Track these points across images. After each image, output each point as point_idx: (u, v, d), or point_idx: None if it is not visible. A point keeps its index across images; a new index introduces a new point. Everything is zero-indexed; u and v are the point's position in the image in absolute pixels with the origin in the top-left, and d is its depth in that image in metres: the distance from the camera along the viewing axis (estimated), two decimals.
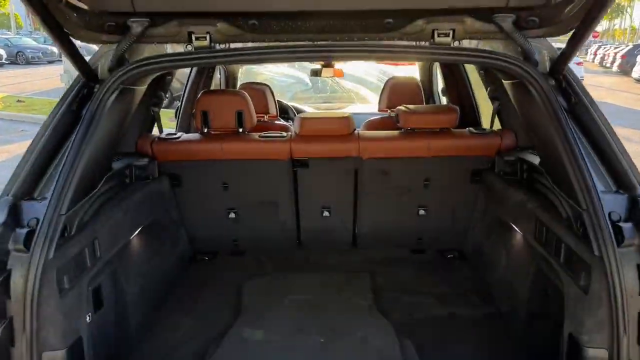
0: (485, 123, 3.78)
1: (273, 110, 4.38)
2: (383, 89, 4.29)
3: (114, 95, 2.18)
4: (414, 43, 2.24)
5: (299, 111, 5.88)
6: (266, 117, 4.35)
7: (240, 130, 3.07)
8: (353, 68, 6.29)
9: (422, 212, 3.26)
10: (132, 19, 2.10)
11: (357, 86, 6.60)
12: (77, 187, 1.99)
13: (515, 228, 2.59)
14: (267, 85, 4.38)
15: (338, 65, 5.24)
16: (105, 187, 2.42)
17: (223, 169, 3.11)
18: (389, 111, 4.24)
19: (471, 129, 3.12)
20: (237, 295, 2.84)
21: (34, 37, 35.50)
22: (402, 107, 3.10)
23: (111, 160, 2.56)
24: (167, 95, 3.52)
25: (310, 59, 2.29)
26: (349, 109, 6.16)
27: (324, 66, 5.24)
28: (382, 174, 3.12)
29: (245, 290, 2.88)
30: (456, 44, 2.23)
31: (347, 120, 3.07)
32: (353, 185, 3.19)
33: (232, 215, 3.28)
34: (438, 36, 2.19)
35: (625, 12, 65.23)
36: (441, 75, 4.51)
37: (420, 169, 3.11)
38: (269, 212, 3.27)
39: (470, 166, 3.10)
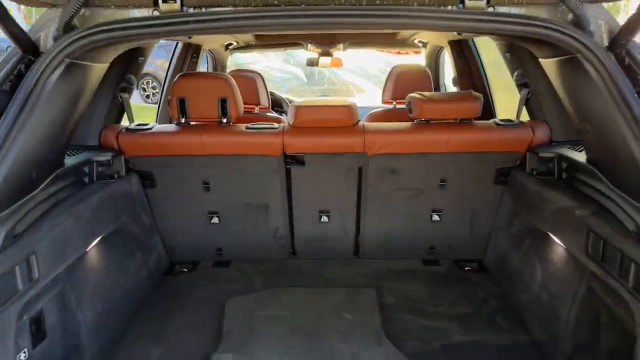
0: (501, 116, 3.34)
1: (265, 100, 3.90)
2: (387, 78, 3.83)
3: (58, 71, 1.71)
4: (437, 8, 1.78)
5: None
6: (257, 109, 3.87)
7: (224, 120, 2.60)
8: (353, 58, 5.82)
9: (435, 217, 2.80)
10: None
11: (358, 78, 6.13)
12: (5, 187, 1.53)
13: (555, 239, 2.14)
14: (258, 73, 3.90)
15: (337, 54, 4.80)
16: (53, 188, 1.95)
17: (204, 166, 2.64)
18: (394, 103, 3.79)
19: (497, 120, 2.66)
20: (218, 317, 2.38)
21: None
22: (415, 95, 2.63)
23: (62, 154, 2.09)
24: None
25: (306, 27, 1.78)
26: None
27: (321, 55, 4.79)
28: (390, 173, 2.66)
29: (228, 311, 2.42)
30: (490, 9, 1.77)
31: (349, 109, 2.61)
32: (356, 185, 2.73)
33: (215, 220, 2.81)
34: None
35: None
36: (452, 63, 4.04)
37: (436, 168, 2.65)
38: (257, 216, 2.80)
39: (495, 164, 2.64)
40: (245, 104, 3.83)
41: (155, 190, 2.69)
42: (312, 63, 4.86)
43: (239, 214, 2.79)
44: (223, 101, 2.57)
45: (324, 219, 2.83)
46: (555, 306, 2.07)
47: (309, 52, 4.75)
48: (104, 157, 2.37)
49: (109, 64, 2.17)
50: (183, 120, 2.60)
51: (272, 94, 5.27)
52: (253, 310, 2.42)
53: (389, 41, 4.66)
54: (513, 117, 2.76)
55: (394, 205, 2.76)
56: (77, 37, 1.67)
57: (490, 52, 3.79)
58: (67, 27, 1.72)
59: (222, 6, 1.79)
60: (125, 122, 2.78)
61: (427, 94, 2.63)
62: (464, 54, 3.85)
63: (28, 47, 1.71)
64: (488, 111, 3.56)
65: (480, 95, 2.61)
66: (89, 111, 2.52)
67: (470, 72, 3.89)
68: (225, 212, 2.79)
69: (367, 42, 4.74)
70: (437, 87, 5.14)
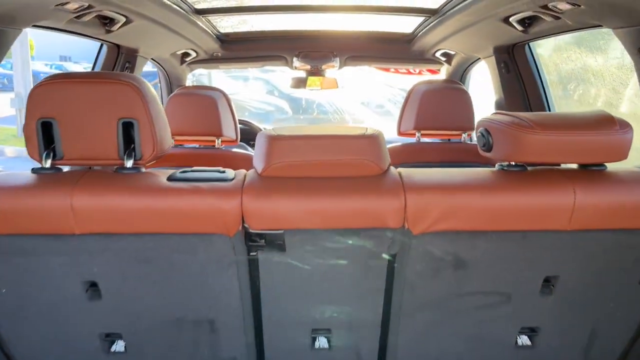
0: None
1: (230, 130, 2.61)
2: (407, 99, 2.62)
3: None
4: None
5: None
6: (218, 142, 2.59)
7: (129, 164, 1.34)
8: (348, 82, 4.64)
9: (525, 339, 1.52)
10: None
11: (355, 105, 4.93)
12: None
13: None
14: (221, 91, 2.63)
15: (331, 72, 3.60)
16: None
17: (85, 253, 1.34)
18: (417, 135, 2.58)
19: None
20: None
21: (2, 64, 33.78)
22: (495, 116, 1.39)
23: None
24: None
25: None
26: None
27: (310, 73, 3.59)
28: (451, 266, 1.39)
29: None
30: None
31: (374, 142, 1.36)
32: (384, 285, 1.45)
33: (119, 346, 1.50)
34: None
35: None
36: (496, 80, 2.85)
37: (540, 257, 1.38)
38: (197, 339, 1.49)
39: None
40: (198, 134, 2.57)
41: None
42: (298, 84, 3.64)
43: (161, 336, 1.48)
44: (127, 127, 1.31)
45: (322, 342, 1.54)
46: None
47: (295, 70, 3.56)
48: None
49: None
50: (48, 164, 1.33)
51: (246, 123, 4.02)
52: None
53: (401, 54, 3.48)
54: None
55: (453, 321, 1.48)
56: None
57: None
58: None
59: None
60: None
61: (526, 114, 1.37)
62: (516, 66, 2.69)
63: None
64: None
65: (628, 123, 1.36)
66: None
67: (525, 93, 2.72)
68: (136, 333, 1.48)
69: (371, 55, 3.55)
70: None
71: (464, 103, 2.55)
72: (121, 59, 2.65)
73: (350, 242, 1.34)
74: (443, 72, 3.61)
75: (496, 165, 1.42)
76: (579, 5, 1.65)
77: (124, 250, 1.33)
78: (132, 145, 1.34)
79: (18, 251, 1.33)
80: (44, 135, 1.31)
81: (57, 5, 1.60)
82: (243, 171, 1.42)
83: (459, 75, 3.46)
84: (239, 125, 3.68)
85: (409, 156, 2.58)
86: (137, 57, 2.71)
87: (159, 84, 3.66)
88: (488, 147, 1.39)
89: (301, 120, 4.88)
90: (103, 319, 1.46)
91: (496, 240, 1.34)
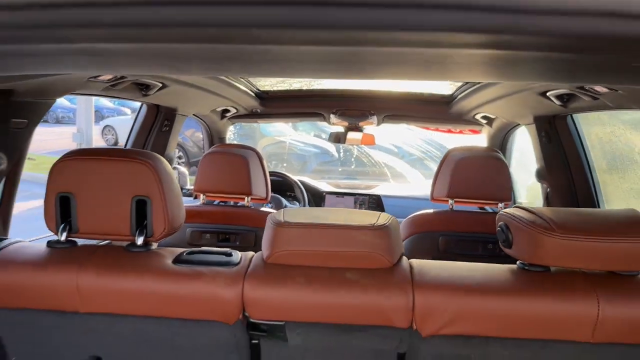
0: None
1: (260, 189, 2.62)
2: (441, 165, 2.54)
3: None
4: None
5: (310, 189, 4.14)
6: (247, 200, 2.60)
7: (140, 241, 1.34)
8: (384, 133, 4.62)
9: None
10: None
11: (392, 158, 4.89)
12: None
13: None
14: (254, 151, 2.66)
15: (369, 129, 3.60)
16: None
17: (89, 332, 1.34)
18: (450, 202, 2.49)
19: None
20: None
21: (67, 97, 36.11)
22: (516, 210, 1.31)
23: None
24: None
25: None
26: (381, 189, 4.38)
27: (348, 129, 3.60)
28: None
29: None
30: None
31: (384, 234, 1.29)
32: None
33: None
34: None
35: None
36: (537, 149, 2.73)
37: None
38: None
39: None
40: (228, 192, 2.59)
41: None
42: (337, 139, 3.65)
43: None
44: (141, 204, 1.33)
45: None
46: None
47: (334, 126, 3.60)
48: None
49: None
50: (63, 237, 1.36)
51: (281, 175, 4.05)
52: None
53: (441, 115, 3.42)
54: None
55: None
56: None
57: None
58: None
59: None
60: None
61: (544, 210, 1.29)
62: (558, 136, 2.57)
63: None
64: None
65: None
66: None
67: (567, 164, 2.58)
68: None
69: (409, 115, 3.52)
70: None
71: (501, 172, 2.45)
72: (160, 117, 2.74)
73: (355, 339, 1.27)
74: (485, 133, 3.52)
75: (517, 263, 1.33)
76: (617, 90, 1.57)
77: (127, 331, 1.32)
78: (144, 223, 1.35)
79: (27, 324, 1.34)
80: (61, 209, 1.35)
81: (90, 78, 1.68)
82: (251, 254, 1.40)
83: (501, 138, 3.36)
84: (274, 177, 3.72)
85: (440, 224, 2.49)
86: (176, 115, 2.80)
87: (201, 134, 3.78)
88: (508, 244, 1.30)
89: (339, 173, 4.89)
90: None
91: (512, 347, 1.23)
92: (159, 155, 1.42)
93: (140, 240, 1.35)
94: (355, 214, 1.44)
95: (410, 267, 1.31)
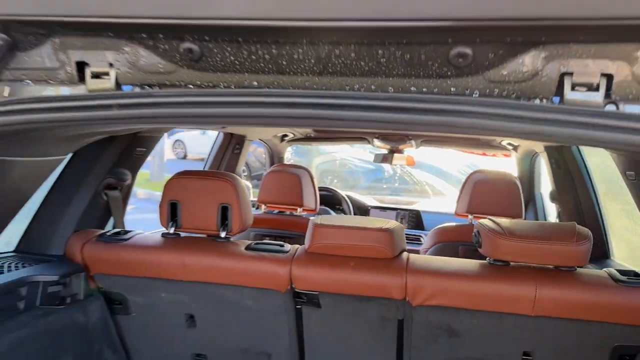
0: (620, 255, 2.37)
1: (310, 201, 3.23)
2: (464, 184, 3.03)
3: None
4: (515, 101, 1.05)
5: (356, 204, 4.71)
6: (300, 210, 3.21)
7: (223, 234, 1.96)
8: (426, 154, 5.09)
9: None
10: None
11: (433, 178, 5.35)
12: None
13: None
14: (305, 169, 3.28)
15: (409, 151, 4.12)
16: None
17: (188, 295, 1.98)
18: (469, 217, 2.96)
19: (614, 270, 1.74)
20: None
21: None
22: (487, 222, 1.82)
23: None
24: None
25: (310, 121, 1.09)
26: (421, 205, 4.88)
27: (391, 151, 4.14)
28: (446, 334, 1.81)
29: None
30: (611, 108, 1.01)
31: (388, 235, 1.84)
32: (395, 342, 1.90)
33: None
34: (573, 89, 1.00)
35: None
36: (549, 173, 3.16)
37: (516, 336, 1.75)
38: None
39: (611, 340, 1.69)
40: (284, 204, 3.20)
41: (129, 318, 2.06)
42: (384, 160, 4.20)
43: None
44: (224, 209, 1.95)
45: None
46: None
47: (378, 148, 4.15)
48: (49, 276, 1.79)
49: (69, 156, 1.65)
50: (172, 230, 2.00)
51: (330, 190, 4.64)
52: None
53: (470, 142, 3.90)
54: None
55: None
56: None
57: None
58: None
59: (179, 84, 1.20)
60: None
61: (505, 222, 1.80)
62: (566, 163, 2.99)
63: None
64: (599, 246, 2.61)
65: (589, 232, 1.73)
66: (56, 211, 2.02)
67: (574, 187, 2.99)
68: (216, 357, 2.07)
69: (443, 140, 4.01)
70: (530, 199, 4.21)
71: (513, 192, 2.89)
72: (233, 142, 3.42)
73: (367, 306, 1.83)
74: (514, 157, 3.95)
75: (486, 259, 1.83)
76: None
77: (211, 295, 1.94)
78: (226, 222, 1.96)
79: (145, 288, 1.99)
80: (171, 211, 1.99)
81: None
82: (297, 246, 1.98)
83: (528, 162, 3.77)
84: (325, 192, 4.34)
85: (460, 236, 2.96)
86: (245, 140, 3.48)
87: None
88: (479, 245, 1.81)
89: (384, 190, 5.40)
90: (195, 343, 2.06)
91: (479, 317, 1.74)
92: (236, 175, 2.04)
93: (223, 234, 1.97)
94: (372, 221, 1.99)
95: (407, 258, 1.85)
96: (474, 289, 1.72)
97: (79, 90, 1.24)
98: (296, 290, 1.86)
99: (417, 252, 3.48)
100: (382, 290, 1.78)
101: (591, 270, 1.76)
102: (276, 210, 3.35)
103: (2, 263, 1.77)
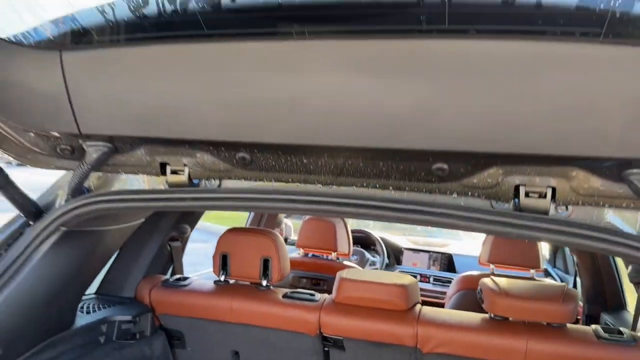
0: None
1: (344, 247, 3.59)
2: (486, 237, 3.30)
3: (51, 239, 1.62)
4: (485, 204, 1.38)
5: (390, 245, 5.01)
6: (334, 255, 3.57)
7: (265, 283, 2.32)
8: None
9: None
10: (90, 142, 1.57)
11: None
12: None
13: None
14: (341, 218, 3.65)
15: None
16: (49, 354, 1.79)
17: (234, 334, 2.34)
18: (491, 267, 3.22)
19: (599, 328, 1.98)
20: None
21: None
22: (487, 282, 2.11)
23: (70, 313, 1.96)
24: None
25: (325, 214, 1.49)
26: (453, 248, 5.12)
27: None
28: None
29: None
30: (555, 211, 1.33)
31: (403, 290, 2.15)
32: None
33: None
34: (527, 196, 1.31)
35: None
36: None
37: None
38: None
39: None
40: (320, 248, 3.57)
41: (185, 352, 2.44)
42: None
43: None
44: (266, 261, 2.32)
45: None
46: None
47: None
48: (123, 316, 2.20)
49: (141, 221, 2.08)
50: (222, 278, 2.39)
51: (365, 233, 4.96)
52: None
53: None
54: None
55: None
56: (70, 207, 1.57)
57: None
58: (76, 192, 1.65)
59: (233, 179, 1.60)
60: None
61: (503, 281, 2.08)
62: None
63: (30, 212, 1.65)
64: (615, 302, 2.82)
65: (576, 293, 1.98)
66: (129, 260, 2.44)
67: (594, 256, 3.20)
68: None
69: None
70: (555, 252, 4.43)
71: (531, 246, 3.14)
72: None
73: (384, 351, 2.13)
74: None
75: (489, 314, 2.11)
76: None
77: (255, 335, 2.30)
78: (267, 272, 2.33)
79: (199, 327, 2.37)
80: (222, 262, 2.38)
81: None
82: (326, 295, 2.32)
83: None
84: (359, 235, 4.68)
85: (476, 285, 3.23)
86: None
87: None
88: (482, 301, 2.09)
89: (418, 231, 5.66)
90: None
91: None
92: (276, 233, 2.42)
93: (264, 283, 2.33)
94: (390, 276, 2.31)
95: (419, 310, 2.15)
96: (474, 340, 2.00)
97: (160, 181, 1.66)
98: (324, 334, 2.19)
99: (445, 293, 3.74)
100: (396, 338, 2.09)
101: (579, 327, 2.00)
102: (312, 254, 3.72)
103: (89, 304, 2.19)
